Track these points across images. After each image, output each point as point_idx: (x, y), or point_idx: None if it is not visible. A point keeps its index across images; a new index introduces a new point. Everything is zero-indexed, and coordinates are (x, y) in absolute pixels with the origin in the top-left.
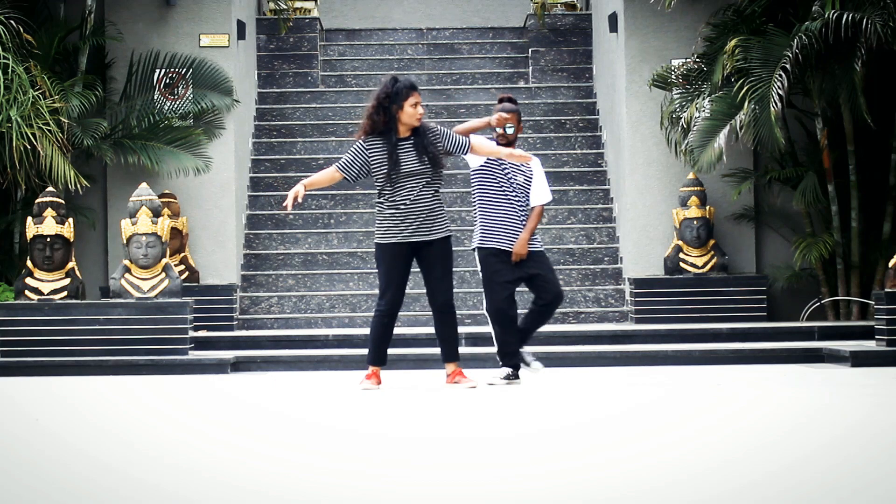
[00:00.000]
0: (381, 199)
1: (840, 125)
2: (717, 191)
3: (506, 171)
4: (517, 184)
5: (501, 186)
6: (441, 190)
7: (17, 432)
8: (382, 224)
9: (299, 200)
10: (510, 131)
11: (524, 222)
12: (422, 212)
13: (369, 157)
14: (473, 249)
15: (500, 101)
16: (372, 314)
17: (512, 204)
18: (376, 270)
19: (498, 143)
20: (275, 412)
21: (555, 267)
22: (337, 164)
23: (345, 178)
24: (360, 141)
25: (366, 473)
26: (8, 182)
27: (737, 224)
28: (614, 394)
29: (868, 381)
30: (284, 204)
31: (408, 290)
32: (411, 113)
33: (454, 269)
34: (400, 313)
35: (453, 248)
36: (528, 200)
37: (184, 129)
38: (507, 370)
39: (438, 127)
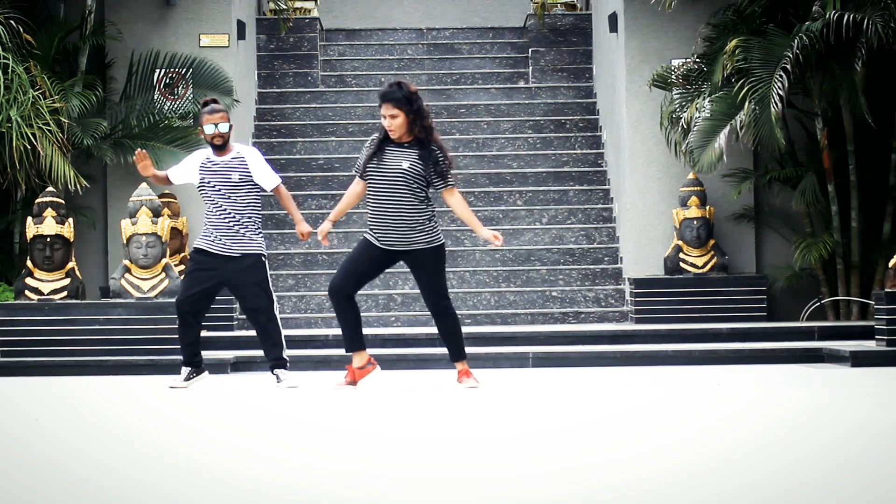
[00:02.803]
0: (369, 199)
1: (840, 125)
2: (717, 191)
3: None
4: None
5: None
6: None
7: (17, 432)
8: (369, 224)
9: (326, 242)
10: (224, 129)
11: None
12: (400, 220)
13: (366, 152)
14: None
15: (206, 104)
16: (372, 314)
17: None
18: None
19: (213, 144)
20: (275, 412)
21: (555, 267)
22: (355, 171)
23: (359, 174)
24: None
25: (366, 473)
26: (8, 182)
27: (737, 224)
28: (614, 394)
29: (868, 381)
30: (320, 237)
31: (407, 290)
32: (384, 124)
33: (455, 269)
34: (399, 313)
35: (455, 250)
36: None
37: (184, 129)
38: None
39: (446, 157)
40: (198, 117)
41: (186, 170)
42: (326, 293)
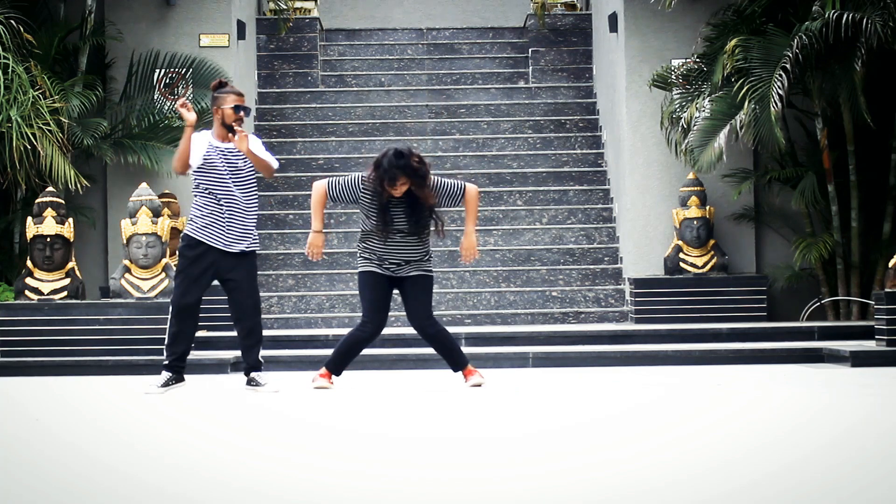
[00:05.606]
0: (366, 232)
1: (840, 125)
2: (717, 191)
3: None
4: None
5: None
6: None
7: (17, 432)
8: (363, 255)
9: (322, 254)
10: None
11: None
12: (404, 255)
13: (360, 196)
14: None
15: (222, 84)
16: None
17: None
18: None
19: (231, 127)
20: (275, 412)
21: (555, 267)
22: (328, 181)
23: (328, 194)
24: (361, 177)
25: (366, 473)
26: (8, 182)
27: (737, 224)
28: (614, 394)
29: (868, 381)
30: (312, 255)
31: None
32: (396, 190)
33: (455, 270)
34: (400, 313)
35: (455, 250)
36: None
37: (184, 130)
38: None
39: (437, 180)
40: (215, 98)
41: (196, 150)
42: (327, 294)
